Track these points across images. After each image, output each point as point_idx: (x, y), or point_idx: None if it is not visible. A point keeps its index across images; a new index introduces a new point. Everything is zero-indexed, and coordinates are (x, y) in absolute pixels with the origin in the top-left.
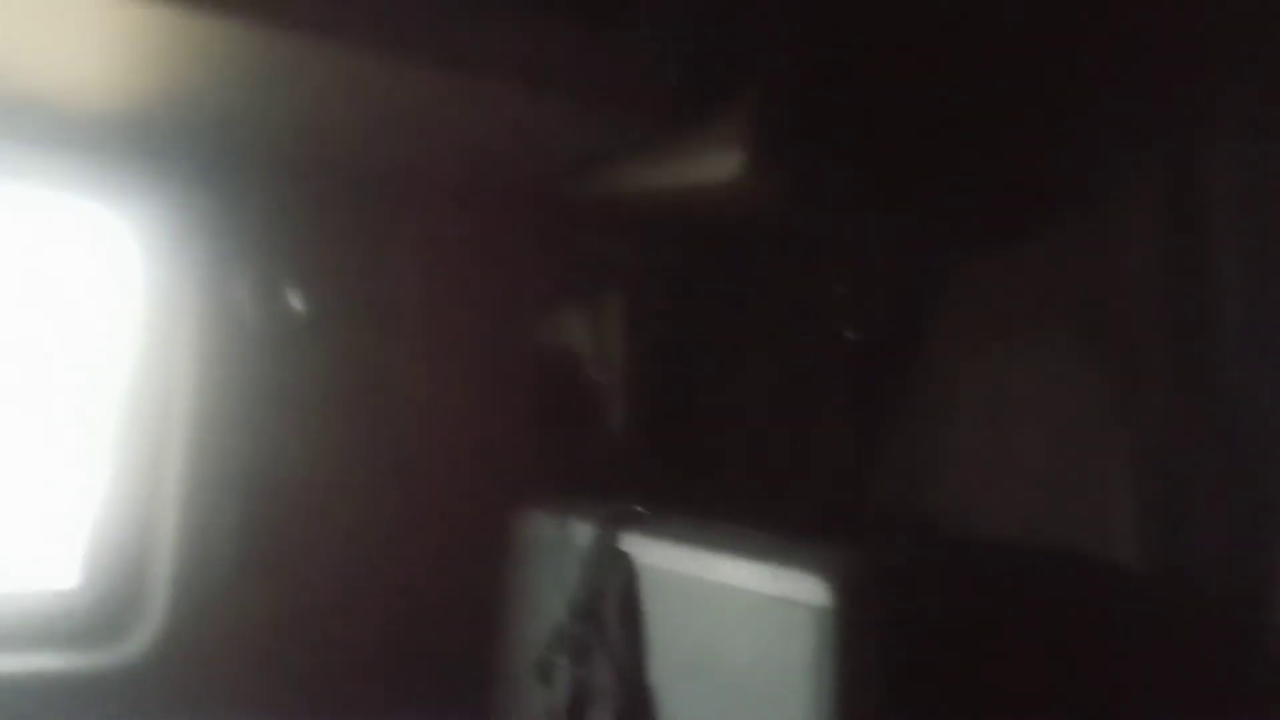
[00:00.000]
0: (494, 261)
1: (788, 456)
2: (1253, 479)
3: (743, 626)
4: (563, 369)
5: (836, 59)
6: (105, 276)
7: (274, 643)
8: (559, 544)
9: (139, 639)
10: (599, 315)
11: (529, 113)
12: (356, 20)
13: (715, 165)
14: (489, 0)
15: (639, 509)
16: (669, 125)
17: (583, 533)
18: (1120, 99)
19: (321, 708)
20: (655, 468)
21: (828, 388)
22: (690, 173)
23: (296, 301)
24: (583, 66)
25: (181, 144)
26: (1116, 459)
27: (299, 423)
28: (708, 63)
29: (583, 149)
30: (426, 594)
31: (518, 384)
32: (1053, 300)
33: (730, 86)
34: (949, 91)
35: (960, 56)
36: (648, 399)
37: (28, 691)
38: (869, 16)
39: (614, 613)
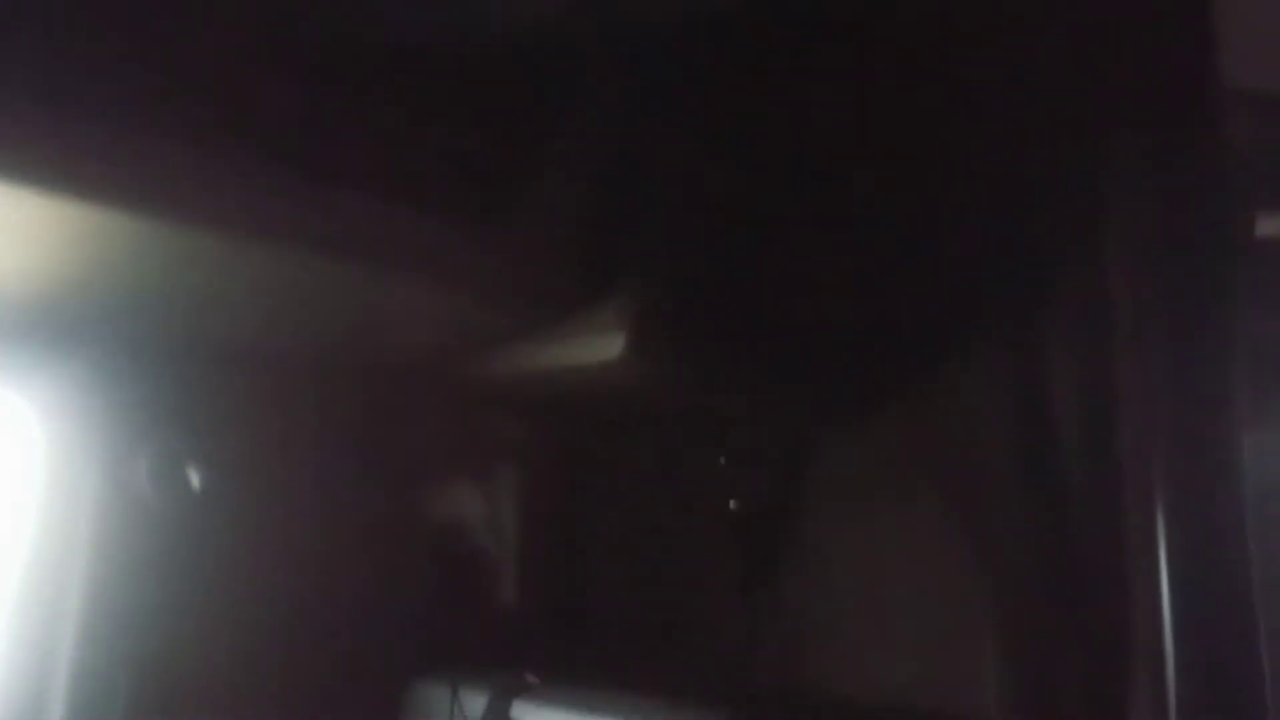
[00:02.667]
0: (388, 438)
1: (675, 624)
2: (1107, 632)
3: None
4: (455, 542)
5: (708, 252)
6: (4, 455)
7: None
8: (451, 714)
9: None
10: (491, 489)
11: (421, 299)
12: (253, 209)
13: (600, 348)
14: (383, 195)
15: (530, 678)
16: (556, 312)
17: (475, 703)
18: (963, 281)
19: None
20: (546, 637)
21: (713, 556)
22: (577, 355)
23: (195, 479)
24: (473, 258)
25: (82, 325)
26: (980, 619)
27: (194, 597)
28: (592, 255)
29: (474, 332)
30: None
31: (410, 557)
32: (914, 466)
33: (612, 276)
34: (807, 282)
35: (816, 248)
36: (538, 570)
37: None
38: (736, 217)
39: None
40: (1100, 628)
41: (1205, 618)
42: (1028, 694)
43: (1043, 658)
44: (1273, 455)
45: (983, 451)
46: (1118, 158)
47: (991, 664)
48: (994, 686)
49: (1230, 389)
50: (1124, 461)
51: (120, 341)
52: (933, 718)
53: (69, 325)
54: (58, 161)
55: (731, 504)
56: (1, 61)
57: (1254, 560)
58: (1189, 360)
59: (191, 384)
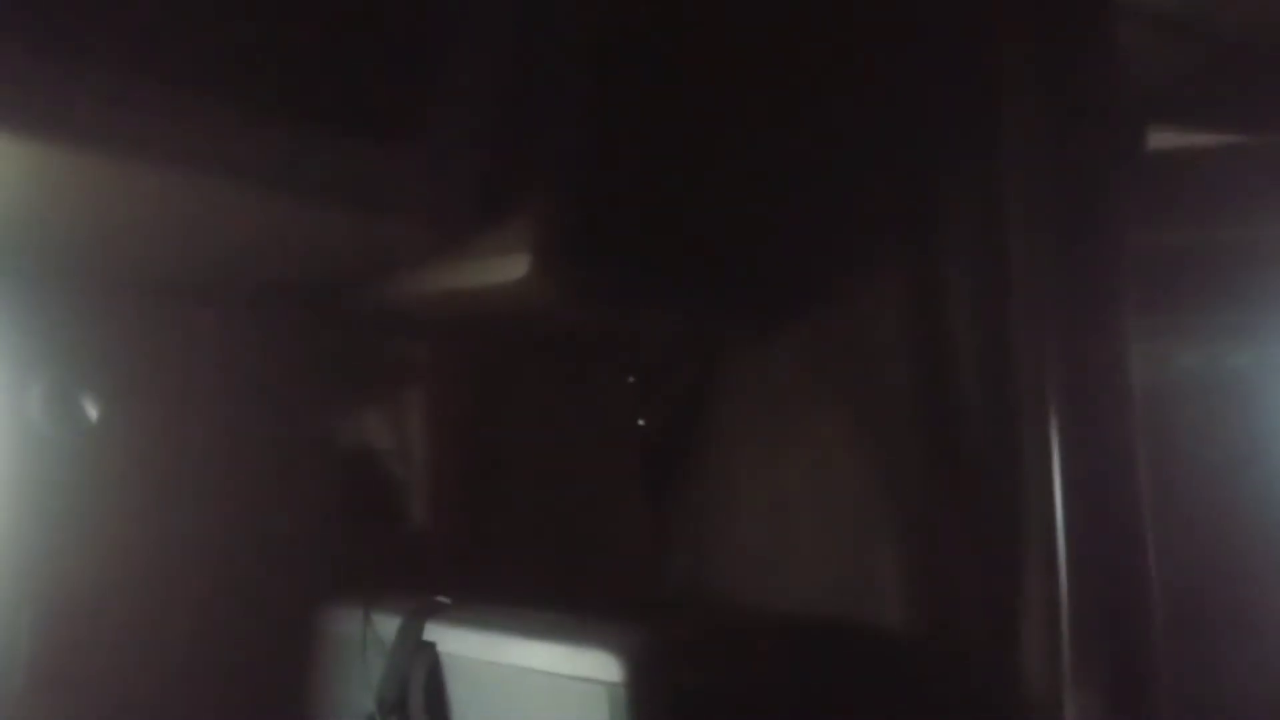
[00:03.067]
0: (290, 364)
1: (584, 542)
2: (1003, 542)
3: (544, 708)
4: (363, 465)
5: (612, 166)
6: None
7: None
8: (364, 639)
9: None
10: (398, 412)
11: (320, 222)
12: (140, 133)
13: (504, 268)
14: (277, 114)
15: (441, 599)
16: (459, 232)
17: (387, 626)
18: (860, 194)
19: None
20: (456, 558)
21: (620, 474)
22: (481, 275)
23: (90, 408)
24: (371, 178)
25: None
26: (881, 531)
27: (94, 530)
28: (494, 174)
29: (376, 254)
30: (230, 697)
31: (318, 482)
32: (816, 382)
33: (514, 194)
34: (709, 198)
35: (715, 163)
36: (447, 492)
37: None
38: (638, 134)
39: (419, 704)
40: (997, 538)
41: (1096, 526)
42: (927, 604)
43: (942, 568)
44: (1157, 365)
45: (882, 365)
46: (1011, 69)
47: (892, 574)
48: (895, 596)
49: (1121, 300)
50: (1018, 372)
51: (12, 273)
52: (835, 626)
53: None
54: None
55: (640, 422)
56: None
57: (1142, 468)
58: (1080, 270)
59: (84, 314)
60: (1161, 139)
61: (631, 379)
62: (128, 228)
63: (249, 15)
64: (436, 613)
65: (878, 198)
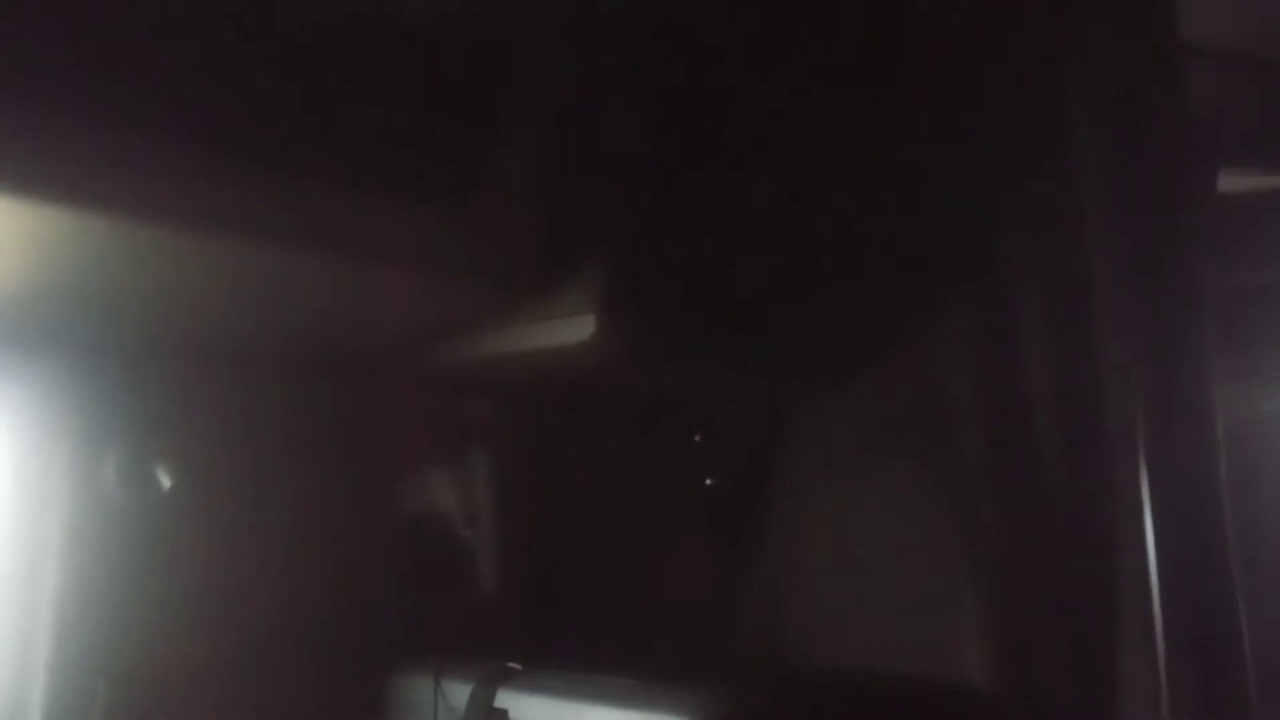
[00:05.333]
0: (356, 429)
1: (654, 603)
2: (1084, 592)
3: None
4: (431, 531)
5: (676, 222)
6: None
7: None
8: (435, 706)
9: None
10: (465, 477)
11: (384, 286)
12: (213, 204)
13: (569, 328)
14: (342, 179)
15: (512, 665)
16: (523, 294)
17: (458, 693)
18: (931, 244)
19: None
20: (527, 623)
21: (689, 534)
22: (546, 336)
23: (163, 478)
24: (437, 241)
25: (46, 326)
26: (958, 586)
27: (167, 599)
28: (557, 236)
29: (438, 318)
30: None
31: (386, 548)
32: (888, 435)
33: (578, 254)
34: (775, 254)
35: (781, 219)
36: (516, 556)
37: None
38: (701, 192)
39: None
40: (1083, 592)
41: (1189, 579)
42: (1010, 661)
43: (1025, 624)
44: (1237, 407)
45: (958, 416)
46: (1082, 111)
47: (973, 631)
48: (976, 654)
49: (1203, 342)
50: (1104, 423)
51: (85, 341)
52: (914, 685)
53: (33, 326)
54: (18, 162)
55: (708, 481)
56: None
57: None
58: (1159, 312)
59: (158, 383)
60: (1235, 180)
61: (698, 437)
62: (199, 297)
63: (314, 83)
64: (508, 679)
65: (948, 246)
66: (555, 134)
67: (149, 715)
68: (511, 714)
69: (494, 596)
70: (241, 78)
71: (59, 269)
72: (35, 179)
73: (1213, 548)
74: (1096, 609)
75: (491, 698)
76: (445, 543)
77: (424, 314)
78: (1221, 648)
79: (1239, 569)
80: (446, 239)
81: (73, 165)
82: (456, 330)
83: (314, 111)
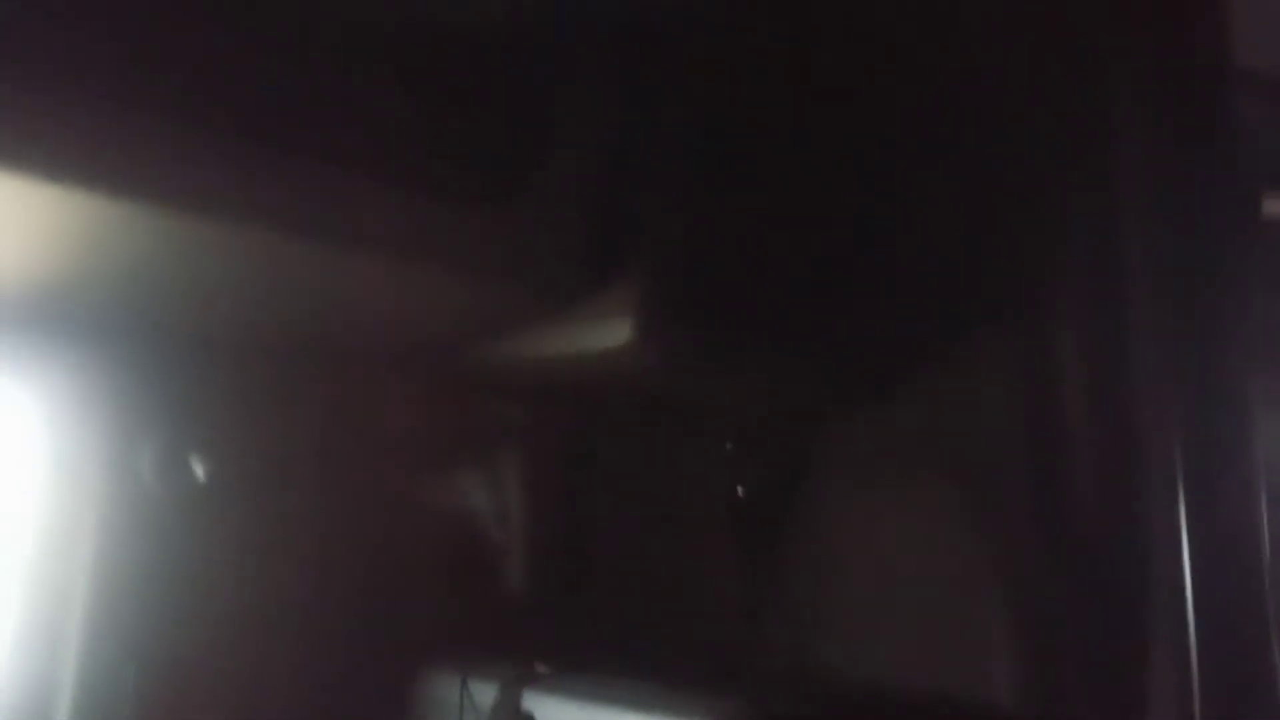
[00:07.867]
0: (391, 426)
1: (682, 611)
2: (1117, 614)
3: None
4: (462, 531)
5: (716, 230)
6: (6, 447)
7: None
8: (461, 707)
9: None
10: (497, 478)
11: (425, 284)
12: (253, 200)
13: (607, 333)
14: (386, 179)
15: (540, 668)
16: (562, 297)
17: (485, 694)
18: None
19: None
20: (555, 626)
21: (719, 544)
22: (583, 340)
23: (199, 469)
24: (478, 242)
25: (83, 316)
26: (989, 604)
27: (199, 590)
28: (598, 239)
29: (478, 318)
30: None
31: (417, 546)
32: (922, 451)
33: (619, 261)
34: (814, 264)
35: (823, 230)
36: (546, 558)
37: None
38: (743, 199)
39: None
40: (1118, 617)
41: (1224, 605)
42: (1041, 683)
43: (1057, 646)
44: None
45: (992, 433)
46: (1129, 138)
47: (1004, 652)
48: (1007, 675)
49: (1244, 369)
50: (1140, 445)
51: (122, 332)
52: (942, 704)
53: (70, 316)
54: (55, 150)
55: (739, 490)
56: None
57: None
58: (1203, 338)
59: (194, 374)
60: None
61: (730, 446)
62: (240, 290)
63: (364, 81)
64: (534, 682)
65: (991, 265)
66: (603, 140)
67: (178, 704)
68: (537, 717)
69: (523, 599)
70: (293, 74)
71: (98, 260)
72: (78, 169)
73: (1249, 573)
74: (1130, 631)
75: (518, 700)
76: (475, 543)
77: (463, 314)
78: (1255, 671)
79: (1275, 593)
80: (491, 240)
81: (116, 156)
82: (495, 331)
83: (363, 109)
